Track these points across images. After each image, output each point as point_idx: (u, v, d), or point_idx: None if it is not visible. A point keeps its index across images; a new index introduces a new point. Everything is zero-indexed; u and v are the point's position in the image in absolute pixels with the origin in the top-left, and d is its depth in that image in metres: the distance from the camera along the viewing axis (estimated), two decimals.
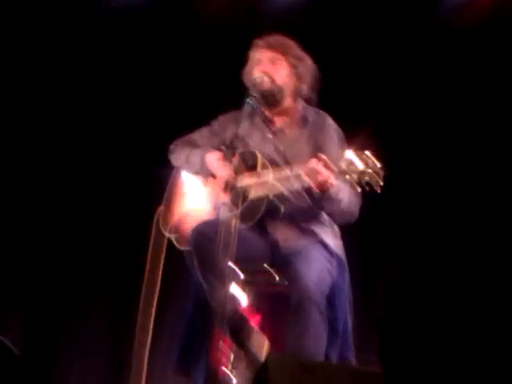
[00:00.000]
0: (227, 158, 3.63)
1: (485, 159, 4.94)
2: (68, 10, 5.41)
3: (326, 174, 3.49)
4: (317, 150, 3.74)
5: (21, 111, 5.41)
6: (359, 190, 3.43)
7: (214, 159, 3.88)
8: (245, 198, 3.70)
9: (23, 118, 5.41)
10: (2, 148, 5.35)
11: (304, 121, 3.94)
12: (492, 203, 4.81)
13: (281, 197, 3.71)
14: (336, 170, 3.46)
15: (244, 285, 3.76)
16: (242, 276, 3.73)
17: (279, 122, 3.96)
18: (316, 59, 4.00)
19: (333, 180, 3.52)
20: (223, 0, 5.38)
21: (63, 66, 5.44)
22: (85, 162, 5.42)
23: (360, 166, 3.37)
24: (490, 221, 4.60)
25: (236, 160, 3.59)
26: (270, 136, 3.92)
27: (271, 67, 3.88)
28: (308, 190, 3.68)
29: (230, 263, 3.43)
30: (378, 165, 3.38)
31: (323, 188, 3.56)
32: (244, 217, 3.61)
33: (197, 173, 4.00)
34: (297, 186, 3.66)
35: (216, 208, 3.79)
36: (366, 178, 3.38)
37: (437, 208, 4.99)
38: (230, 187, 3.52)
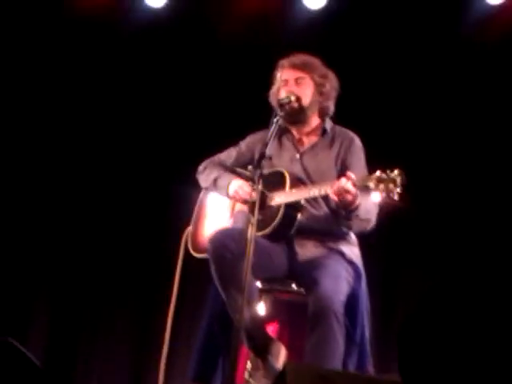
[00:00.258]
0: (254, 178, 3.63)
1: None
2: (91, 30, 5.48)
3: (354, 193, 3.52)
4: (344, 169, 3.75)
5: (49, 127, 5.52)
6: (379, 199, 3.45)
7: (236, 186, 3.89)
8: (274, 217, 3.74)
9: (53, 136, 5.53)
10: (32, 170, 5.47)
11: (331, 141, 3.95)
12: None
13: (298, 206, 3.74)
14: (364, 188, 3.48)
15: (262, 293, 3.80)
16: (259, 285, 3.78)
17: (307, 141, 3.98)
18: (337, 76, 4.01)
19: (360, 199, 3.55)
20: (242, 19, 5.40)
21: (89, 85, 5.52)
22: (115, 182, 5.51)
23: (389, 185, 3.39)
24: None
25: (262, 182, 3.57)
26: (297, 156, 3.94)
27: (297, 87, 3.90)
28: (328, 202, 3.73)
29: (251, 275, 3.44)
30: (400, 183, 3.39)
31: (350, 207, 3.59)
32: (260, 225, 3.62)
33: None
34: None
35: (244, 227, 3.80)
36: (395, 197, 3.40)
37: (463, 226, 5.00)
38: (258, 207, 3.51)
